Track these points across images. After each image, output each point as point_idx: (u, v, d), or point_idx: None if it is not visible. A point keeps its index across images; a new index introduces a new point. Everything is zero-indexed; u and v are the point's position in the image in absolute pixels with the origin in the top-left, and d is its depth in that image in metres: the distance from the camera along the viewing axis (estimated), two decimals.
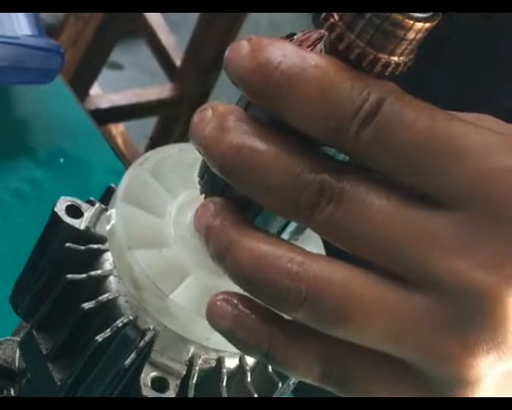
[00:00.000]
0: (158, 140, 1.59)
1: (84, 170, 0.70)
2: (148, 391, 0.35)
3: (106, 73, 1.55)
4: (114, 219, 0.36)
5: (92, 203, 0.38)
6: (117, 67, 1.88)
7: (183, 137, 1.58)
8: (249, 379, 0.38)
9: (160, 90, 1.47)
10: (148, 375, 0.35)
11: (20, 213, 0.66)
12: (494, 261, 0.29)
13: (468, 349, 0.29)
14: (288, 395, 0.42)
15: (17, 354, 0.42)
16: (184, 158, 0.38)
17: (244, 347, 0.32)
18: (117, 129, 1.46)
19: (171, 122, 1.54)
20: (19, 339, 0.43)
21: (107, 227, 0.36)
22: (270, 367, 0.39)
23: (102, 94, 1.44)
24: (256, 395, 0.38)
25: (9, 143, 0.68)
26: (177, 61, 1.42)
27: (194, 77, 1.40)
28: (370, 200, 0.29)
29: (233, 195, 0.32)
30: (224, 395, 0.37)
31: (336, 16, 0.30)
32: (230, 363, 0.38)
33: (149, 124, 1.64)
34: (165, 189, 0.38)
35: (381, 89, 0.29)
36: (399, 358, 0.30)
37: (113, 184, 0.40)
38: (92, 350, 0.36)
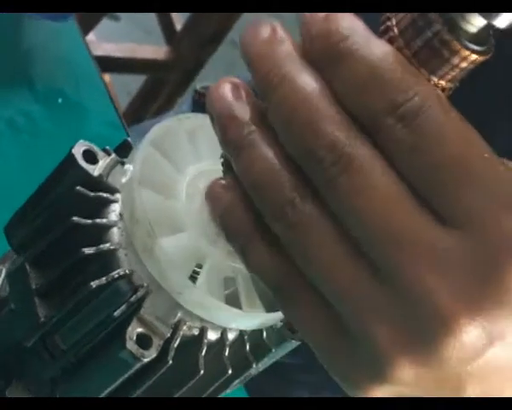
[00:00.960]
0: (141, 99, 1.58)
1: (81, 115, 0.70)
2: (132, 345, 0.36)
3: (102, 22, 1.54)
4: (131, 171, 0.37)
5: (108, 153, 0.38)
6: (114, 17, 1.87)
7: (166, 103, 1.57)
8: (227, 354, 0.39)
9: (155, 49, 1.46)
10: (134, 329, 0.36)
11: (10, 143, 0.66)
12: (468, 293, 0.29)
13: (404, 351, 0.30)
14: (238, 388, 0.43)
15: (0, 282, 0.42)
16: None
17: (226, 232, 0.34)
18: (104, 79, 1.44)
19: (158, 85, 1.54)
20: (3, 268, 0.43)
21: (123, 180, 0.37)
22: (247, 347, 0.40)
23: (97, 42, 1.43)
24: (230, 371, 0.39)
25: (11, 73, 0.68)
26: (178, 26, 1.42)
27: (192, 45, 1.40)
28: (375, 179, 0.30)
29: None
30: (201, 364, 0.38)
31: (394, 20, 0.31)
32: (212, 335, 0.39)
33: (135, 81, 1.63)
34: (194, 150, 0.39)
35: (429, 92, 0.29)
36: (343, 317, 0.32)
37: (129, 139, 0.40)
38: (84, 294, 0.36)
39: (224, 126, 0.32)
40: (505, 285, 0.29)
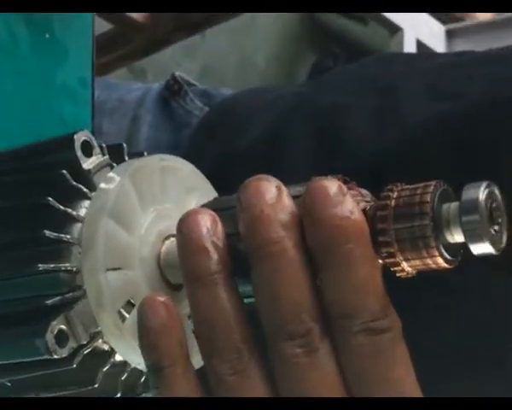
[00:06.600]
0: (99, 43, 1.56)
1: (58, 59, 0.70)
2: (50, 338, 0.36)
3: None
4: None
5: (103, 152, 0.39)
6: None
7: (118, 61, 1.56)
8: (123, 378, 0.40)
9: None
10: (58, 324, 0.37)
11: None
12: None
13: None
14: None
15: None
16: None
17: (152, 348, 0.35)
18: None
19: (120, 39, 1.52)
20: None
21: (103, 185, 0.38)
22: (142, 379, 0.41)
23: None
24: (119, 395, 0.40)
25: None
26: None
27: (169, 24, 1.40)
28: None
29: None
30: (99, 378, 0.39)
31: (396, 193, 0.34)
32: (119, 357, 0.40)
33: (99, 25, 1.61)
34: (162, 191, 0.40)
35: (396, 320, 0.34)
36: None
37: (124, 145, 0.41)
38: (27, 269, 0.37)
39: (194, 255, 0.34)
40: None
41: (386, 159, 0.56)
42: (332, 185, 0.32)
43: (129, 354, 0.38)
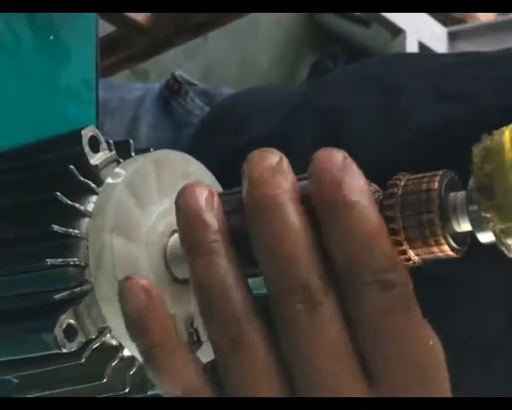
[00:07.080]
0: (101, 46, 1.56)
1: (62, 60, 0.70)
2: (59, 333, 0.36)
3: None
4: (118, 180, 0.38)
5: (110, 147, 0.39)
6: None
7: (121, 62, 1.56)
8: (132, 373, 0.40)
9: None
10: (67, 319, 0.37)
11: None
12: None
13: None
14: None
15: None
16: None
17: (141, 331, 0.35)
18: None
19: (122, 41, 1.52)
20: None
21: (109, 181, 0.38)
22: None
23: None
24: (127, 390, 0.40)
25: None
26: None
27: (174, 26, 1.40)
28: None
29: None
30: (107, 373, 0.39)
31: (402, 182, 0.34)
32: (126, 352, 0.40)
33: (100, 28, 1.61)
34: (159, 186, 0.40)
35: (406, 273, 0.33)
36: None
37: (131, 141, 0.41)
38: (35, 265, 0.37)
39: (192, 226, 0.34)
40: None
41: (390, 163, 0.56)
42: (338, 152, 0.33)
43: (117, 324, 0.37)
